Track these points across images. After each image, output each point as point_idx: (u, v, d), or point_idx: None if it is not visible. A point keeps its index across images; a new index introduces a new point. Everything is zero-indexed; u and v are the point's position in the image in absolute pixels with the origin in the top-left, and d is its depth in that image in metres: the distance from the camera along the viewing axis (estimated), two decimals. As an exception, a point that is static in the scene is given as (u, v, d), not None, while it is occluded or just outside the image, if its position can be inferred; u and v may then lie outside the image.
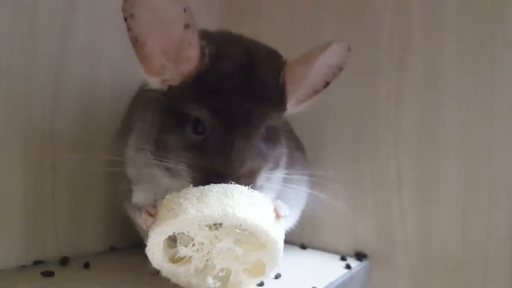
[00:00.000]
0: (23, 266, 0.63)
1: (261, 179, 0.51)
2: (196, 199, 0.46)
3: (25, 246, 0.64)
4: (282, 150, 0.58)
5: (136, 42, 0.49)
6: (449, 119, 0.75)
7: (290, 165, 0.65)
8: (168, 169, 0.50)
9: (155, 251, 0.50)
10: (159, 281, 0.55)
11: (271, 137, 0.54)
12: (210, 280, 0.52)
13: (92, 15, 0.73)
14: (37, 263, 0.65)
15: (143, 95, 0.60)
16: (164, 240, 0.49)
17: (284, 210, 0.51)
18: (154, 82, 0.52)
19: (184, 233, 0.49)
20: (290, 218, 0.73)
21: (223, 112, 0.49)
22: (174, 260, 0.51)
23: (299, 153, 0.76)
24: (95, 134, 0.72)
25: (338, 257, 0.82)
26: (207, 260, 0.51)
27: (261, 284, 0.60)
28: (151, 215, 0.49)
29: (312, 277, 0.66)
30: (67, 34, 0.69)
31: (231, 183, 0.47)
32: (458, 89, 0.74)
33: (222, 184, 0.48)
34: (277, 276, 0.65)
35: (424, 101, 0.77)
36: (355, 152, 0.84)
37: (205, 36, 0.51)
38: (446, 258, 0.74)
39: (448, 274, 0.74)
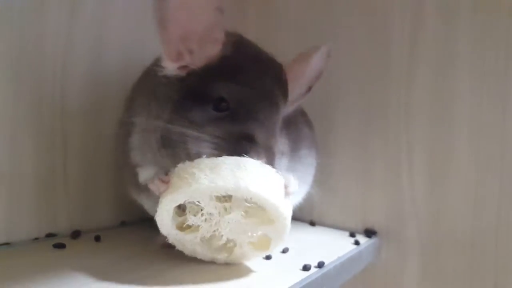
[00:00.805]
0: (36, 238, 0.65)
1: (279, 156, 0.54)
2: (210, 169, 0.47)
3: (38, 219, 0.65)
4: (285, 140, 0.62)
5: (161, 24, 0.48)
6: (462, 96, 0.73)
7: (299, 140, 0.66)
8: (188, 142, 0.50)
9: (165, 217, 0.51)
10: (168, 254, 0.57)
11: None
12: (216, 250, 0.54)
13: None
14: (49, 236, 0.66)
15: (150, 83, 0.59)
16: (173, 208, 0.50)
17: (294, 186, 0.52)
18: (172, 68, 0.52)
19: (194, 203, 0.49)
20: (299, 193, 0.74)
21: (252, 89, 0.51)
22: (182, 228, 0.52)
23: (308, 128, 0.77)
24: (105, 108, 0.73)
25: (347, 233, 0.82)
26: (214, 230, 0.52)
27: (268, 257, 0.61)
28: (164, 182, 0.50)
29: (320, 252, 0.66)
30: (76, 9, 0.69)
31: (244, 156, 0.48)
32: (472, 65, 0.72)
33: (235, 157, 0.48)
34: (285, 251, 0.65)
35: (436, 78, 0.76)
36: (365, 127, 0.84)
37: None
38: (456, 235, 0.74)
39: (459, 252, 0.73)
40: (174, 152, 0.51)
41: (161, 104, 0.53)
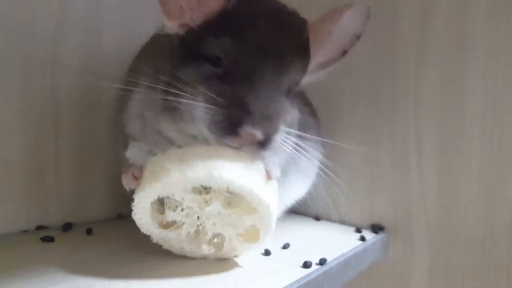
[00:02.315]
0: (25, 231, 0.62)
1: (282, 132, 0.47)
2: (180, 160, 0.44)
3: (27, 211, 0.63)
4: (296, 113, 0.54)
5: None
6: (473, 84, 0.69)
7: (303, 130, 0.62)
8: (178, 112, 0.47)
9: (142, 216, 0.48)
10: (159, 249, 0.53)
11: (291, 96, 0.51)
12: (204, 246, 0.51)
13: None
14: (39, 228, 0.64)
15: (154, 45, 0.59)
16: (152, 205, 0.48)
17: (275, 172, 0.49)
18: (172, 27, 0.50)
19: (170, 197, 0.47)
20: (302, 187, 0.71)
21: (251, 44, 0.46)
22: (164, 225, 0.50)
23: (314, 119, 0.74)
24: (97, 94, 0.70)
25: (353, 229, 0.79)
26: (198, 225, 0.49)
27: (268, 253, 0.58)
28: (136, 178, 0.48)
29: (323, 248, 0.63)
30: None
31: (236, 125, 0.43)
32: (484, 50, 0.68)
33: (208, 146, 0.45)
34: (285, 246, 0.62)
35: (447, 64, 0.72)
36: (372, 119, 0.80)
37: None
38: (467, 232, 0.70)
39: (469, 250, 0.70)
40: (172, 116, 0.48)
41: (162, 64, 0.50)
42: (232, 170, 0.44)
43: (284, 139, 0.48)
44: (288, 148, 0.50)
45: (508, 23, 0.66)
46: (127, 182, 0.49)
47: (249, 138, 0.43)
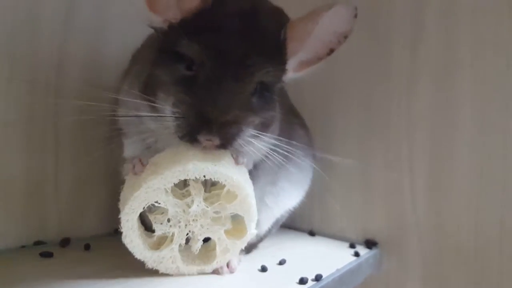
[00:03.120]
0: (23, 246, 0.63)
1: (247, 135, 0.49)
2: (154, 165, 0.48)
3: (26, 226, 0.63)
4: (274, 114, 0.55)
5: None
6: (464, 102, 0.71)
7: (292, 140, 0.63)
8: (153, 109, 0.49)
9: (133, 237, 0.50)
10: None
11: (265, 97, 0.52)
12: (198, 261, 0.53)
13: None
14: (37, 243, 0.64)
15: (146, 42, 0.60)
16: (139, 227, 0.50)
17: (242, 157, 0.51)
18: (156, 20, 0.51)
19: (154, 208, 0.49)
20: (293, 196, 0.71)
21: (216, 51, 0.47)
22: (156, 245, 0.51)
23: (303, 131, 0.74)
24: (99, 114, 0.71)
25: (347, 244, 0.79)
26: (187, 233, 0.51)
27: (264, 269, 0.59)
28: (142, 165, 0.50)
29: (318, 264, 0.64)
30: (72, 4, 0.68)
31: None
32: (474, 70, 0.70)
33: (178, 147, 0.48)
34: (281, 262, 0.63)
35: (438, 82, 0.73)
36: (365, 135, 0.81)
37: None
38: (459, 247, 0.71)
39: (461, 264, 0.71)
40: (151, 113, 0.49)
41: (146, 59, 0.52)
42: (203, 159, 0.47)
43: (249, 141, 0.49)
44: (258, 149, 0.51)
45: (494, 46, 0.68)
46: (132, 166, 0.50)
47: (208, 143, 0.46)
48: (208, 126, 0.45)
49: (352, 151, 0.83)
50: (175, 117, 0.46)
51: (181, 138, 0.46)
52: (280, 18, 0.53)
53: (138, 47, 0.62)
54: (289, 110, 0.71)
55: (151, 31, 0.54)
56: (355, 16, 0.53)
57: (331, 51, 0.56)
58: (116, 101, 0.56)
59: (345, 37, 0.55)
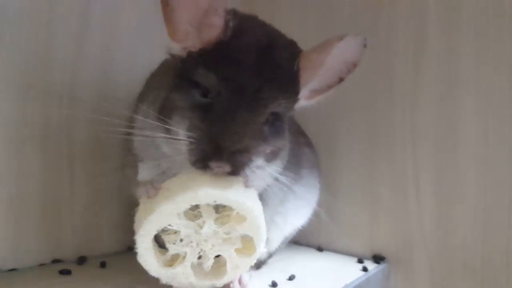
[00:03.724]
0: (42, 264, 0.65)
1: (256, 163, 0.51)
2: (167, 190, 0.50)
3: (44, 245, 0.66)
4: (284, 142, 0.57)
5: (166, 6, 0.50)
6: (467, 117, 0.73)
7: (299, 160, 0.65)
8: (168, 133, 0.50)
9: (147, 257, 0.52)
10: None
11: (276, 126, 0.54)
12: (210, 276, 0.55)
13: (108, 9, 0.75)
14: (55, 261, 0.66)
15: (160, 69, 0.62)
16: (154, 245, 0.52)
17: (251, 181, 0.52)
18: (176, 48, 0.53)
19: (167, 229, 0.51)
20: (301, 215, 0.73)
21: (232, 82, 0.49)
22: (169, 263, 0.53)
23: (309, 149, 0.77)
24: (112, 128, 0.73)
25: (355, 259, 0.81)
26: (199, 252, 0.53)
27: (274, 285, 0.60)
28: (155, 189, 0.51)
29: (327, 278, 0.66)
30: (84, 26, 0.71)
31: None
32: (477, 85, 0.72)
33: (190, 172, 0.50)
34: (291, 278, 0.65)
35: (441, 99, 0.75)
36: (370, 152, 0.83)
37: (232, 11, 0.52)
38: (466, 260, 0.72)
39: (469, 277, 0.72)
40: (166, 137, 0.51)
41: (162, 84, 0.55)
42: (214, 186, 0.49)
43: (259, 169, 0.51)
44: (268, 176, 0.54)
45: (497, 60, 0.70)
46: (146, 190, 0.52)
47: (219, 170, 0.48)
48: (220, 153, 0.46)
49: (357, 167, 0.85)
50: (189, 141, 0.48)
51: (193, 164, 0.48)
52: (294, 50, 0.55)
53: (152, 72, 0.64)
54: (295, 130, 0.73)
55: (159, 53, 0.56)
56: (365, 46, 0.56)
57: (341, 79, 0.59)
58: (131, 124, 0.58)
59: (355, 65, 0.58)
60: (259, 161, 0.51)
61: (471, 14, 0.73)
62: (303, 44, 0.56)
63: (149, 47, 0.77)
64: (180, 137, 0.49)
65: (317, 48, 0.55)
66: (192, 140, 0.48)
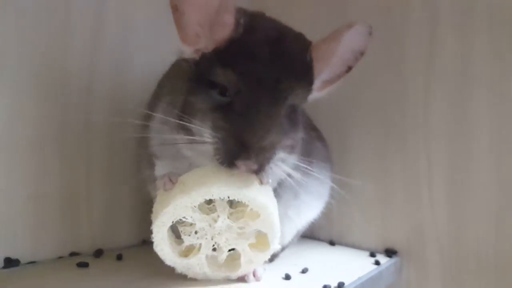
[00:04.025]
0: (60, 257, 0.67)
1: (277, 158, 0.51)
2: (183, 184, 0.51)
3: (62, 238, 0.67)
4: (301, 134, 0.58)
5: (176, 11, 0.50)
6: (480, 112, 0.73)
7: (310, 153, 0.65)
8: (190, 134, 0.51)
9: (163, 246, 0.53)
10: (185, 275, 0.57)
11: (292, 118, 0.54)
12: (224, 268, 0.56)
13: (123, 9, 0.76)
14: (73, 254, 0.68)
15: (172, 71, 0.63)
16: (170, 237, 0.54)
17: (266, 177, 0.53)
18: (188, 51, 0.54)
19: (183, 221, 0.52)
20: (313, 208, 0.73)
21: (251, 77, 0.49)
22: (185, 253, 0.55)
23: (321, 143, 0.77)
24: (128, 130, 0.74)
25: (367, 253, 0.81)
26: (214, 245, 0.54)
27: (288, 277, 0.61)
28: (171, 182, 0.52)
29: (340, 272, 0.66)
30: (100, 28, 0.72)
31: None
32: (490, 80, 0.72)
33: (205, 167, 0.51)
34: (304, 271, 0.65)
35: (454, 93, 0.75)
36: (383, 147, 0.83)
37: (242, 10, 0.53)
38: (479, 254, 0.72)
39: (481, 271, 0.72)
40: (185, 137, 0.52)
41: (178, 88, 0.55)
42: (228, 182, 0.50)
43: (278, 165, 0.52)
44: (283, 171, 0.54)
45: (509, 54, 0.70)
46: (163, 183, 0.53)
47: (245, 168, 0.48)
48: (247, 152, 0.47)
49: (370, 161, 0.85)
50: (215, 141, 0.48)
51: (221, 163, 0.48)
52: (304, 42, 0.55)
53: (164, 74, 0.65)
54: (307, 124, 0.73)
55: (174, 50, 0.56)
56: (370, 34, 0.57)
57: (349, 68, 0.59)
58: (147, 126, 0.59)
59: (362, 54, 0.58)
60: (279, 155, 0.51)
61: (485, 9, 0.72)
62: (314, 40, 0.56)
63: (164, 43, 0.77)
64: (205, 139, 0.49)
65: (327, 38, 0.55)
66: (217, 140, 0.48)
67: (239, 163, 0.47)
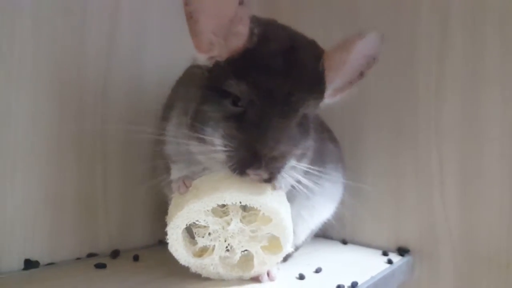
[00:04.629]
0: (78, 258, 0.68)
1: (287, 167, 0.52)
2: (196, 189, 0.53)
3: (80, 239, 0.68)
4: (311, 142, 0.58)
5: (190, 18, 0.51)
6: (491, 110, 0.73)
7: (322, 155, 0.66)
8: (202, 142, 0.52)
9: (178, 247, 0.55)
10: (200, 275, 0.58)
11: (304, 127, 0.55)
12: (237, 268, 0.58)
13: (138, 14, 0.77)
14: (90, 255, 0.69)
15: (186, 77, 0.64)
16: (184, 238, 0.55)
17: (279, 183, 0.54)
18: (202, 59, 0.54)
19: (196, 223, 0.54)
20: (326, 209, 0.74)
21: (264, 89, 0.50)
22: (199, 254, 0.56)
23: (333, 144, 0.78)
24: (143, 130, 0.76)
25: (380, 252, 0.82)
26: (227, 246, 0.56)
27: (302, 277, 0.62)
28: (185, 186, 0.54)
29: (353, 271, 0.67)
30: (115, 32, 0.73)
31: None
32: (502, 79, 0.72)
33: (215, 173, 0.52)
34: (317, 270, 0.66)
35: (465, 93, 0.76)
36: (395, 147, 0.84)
37: (255, 18, 0.53)
38: (491, 254, 0.73)
39: (493, 270, 0.72)
40: (198, 144, 0.53)
41: (191, 95, 0.56)
42: (241, 188, 0.51)
43: (289, 173, 0.53)
44: (293, 180, 0.55)
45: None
46: (178, 187, 0.54)
47: (256, 177, 0.50)
48: (258, 161, 0.48)
49: (382, 160, 0.85)
50: (226, 150, 0.49)
51: (233, 171, 0.49)
52: (316, 51, 0.56)
53: (178, 80, 0.66)
54: (319, 125, 0.73)
55: (187, 53, 0.57)
56: (383, 41, 0.57)
57: (362, 74, 0.59)
58: (163, 130, 0.60)
59: (375, 59, 0.58)
60: (290, 163, 0.52)
61: (496, 7, 0.72)
62: (326, 44, 0.57)
63: (178, 48, 0.78)
64: (217, 147, 0.50)
65: (339, 47, 0.55)
66: (229, 148, 0.49)
67: (250, 172, 0.49)
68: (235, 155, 0.49)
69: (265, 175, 0.49)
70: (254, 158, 0.48)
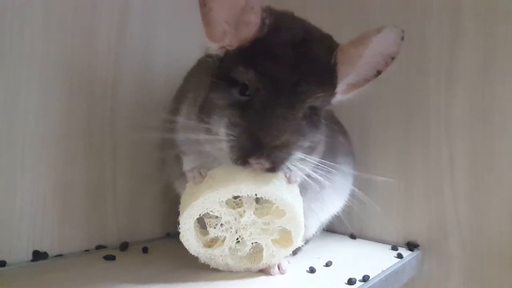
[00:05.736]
0: (87, 250, 0.68)
1: (294, 158, 0.51)
2: (212, 179, 0.52)
3: (88, 232, 0.68)
4: (321, 137, 0.58)
5: (204, 6, 0.51)
6: (502, 106, 0.72)
7: (333, 148, 0.65)
8: (209, 132, 0.51)
9: (189, 237, 0.55)
10: (209, 266, 0.58)
11: (314, 121, 0.54)
12: (246, 260, 0.57)
13: (148, 7, 0.77)
14: (99, 247, 0.69)
15: (198, 67, 0.64)
16: (195, 228, 0.55)
17: (294, 176, 0.54)
18: (214, 47, 0.54)
19: (209, 214, 0.54)
20: (336, 202, 0.74)
21: (270, 78, 0.49)
22: (209, 244, 0.56)
23: (343, 137, 0.77)
24: (153, 125, 0.74)
25: (389, 247, 0.81)
26: (238, 238, 0.55)
27: (312, 270, 0.61)
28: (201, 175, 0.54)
29: (363, 265, 0.66)
30: (125, 25, 0.73)
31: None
32: (511, 74, 0.71)
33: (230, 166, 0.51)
34: (328, 264, 0.65)
35: (475, 88, 0.75)
36: (405, 141, 0.83)
37: (268, 9, 0.53)
38: (500, 247, 0.72)
39: (503, 264, 0.72)
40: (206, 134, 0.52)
41: (201, 84, 0.56)
42: (256, 180, 0.51)
43: (296, 165, 0.52)
44: (304, 170, 0.54)
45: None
46: (193, 176, 0.54)
47: (258, 166, 0.49)
48: (259, 150, 0.47)
49: (392, 154, 0.84)
50: (229, 139, 0.49)
51: (234, 161, 0.49)
52: (330, 44, 0.55)
53: (190, 70, 0.65)
54: (329, 117, 0.73)
55: (197, 45, 0.57)
56: (402, 38, 0.55)
57: (379, 72, 0.58)
58: (173, 122, 0.59)
59: (393, 58, 0.57)
60: (297, 155, 0.51)
61: (507, 3, 0.71)
62: (335, 39, 0.56)
63: (187, 40, 0.78)
64: (220, 136, 0.50)
65: (355, 42, 0.54)
66: (231, 137, 0.49)
67: (252, 160, 0.48)
68: (237, 145, 0.49)
69: (267, 164, 0.49)
70: (255, 147, 0.48)
